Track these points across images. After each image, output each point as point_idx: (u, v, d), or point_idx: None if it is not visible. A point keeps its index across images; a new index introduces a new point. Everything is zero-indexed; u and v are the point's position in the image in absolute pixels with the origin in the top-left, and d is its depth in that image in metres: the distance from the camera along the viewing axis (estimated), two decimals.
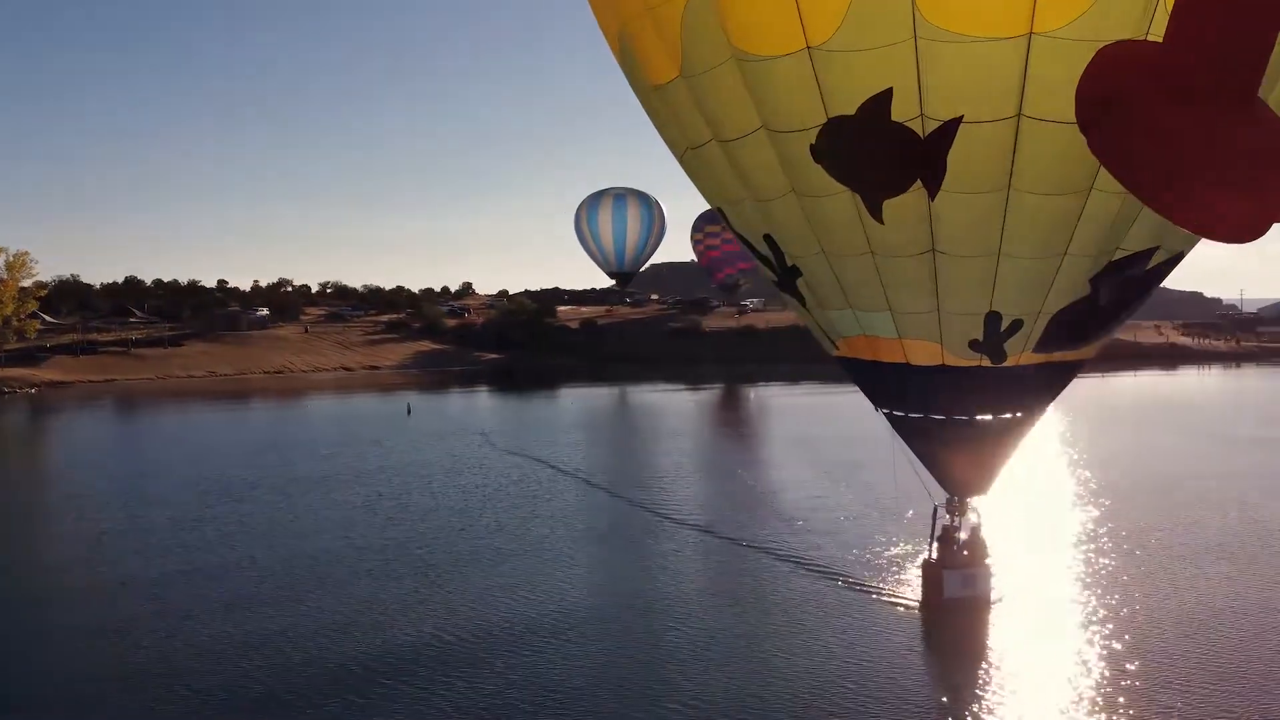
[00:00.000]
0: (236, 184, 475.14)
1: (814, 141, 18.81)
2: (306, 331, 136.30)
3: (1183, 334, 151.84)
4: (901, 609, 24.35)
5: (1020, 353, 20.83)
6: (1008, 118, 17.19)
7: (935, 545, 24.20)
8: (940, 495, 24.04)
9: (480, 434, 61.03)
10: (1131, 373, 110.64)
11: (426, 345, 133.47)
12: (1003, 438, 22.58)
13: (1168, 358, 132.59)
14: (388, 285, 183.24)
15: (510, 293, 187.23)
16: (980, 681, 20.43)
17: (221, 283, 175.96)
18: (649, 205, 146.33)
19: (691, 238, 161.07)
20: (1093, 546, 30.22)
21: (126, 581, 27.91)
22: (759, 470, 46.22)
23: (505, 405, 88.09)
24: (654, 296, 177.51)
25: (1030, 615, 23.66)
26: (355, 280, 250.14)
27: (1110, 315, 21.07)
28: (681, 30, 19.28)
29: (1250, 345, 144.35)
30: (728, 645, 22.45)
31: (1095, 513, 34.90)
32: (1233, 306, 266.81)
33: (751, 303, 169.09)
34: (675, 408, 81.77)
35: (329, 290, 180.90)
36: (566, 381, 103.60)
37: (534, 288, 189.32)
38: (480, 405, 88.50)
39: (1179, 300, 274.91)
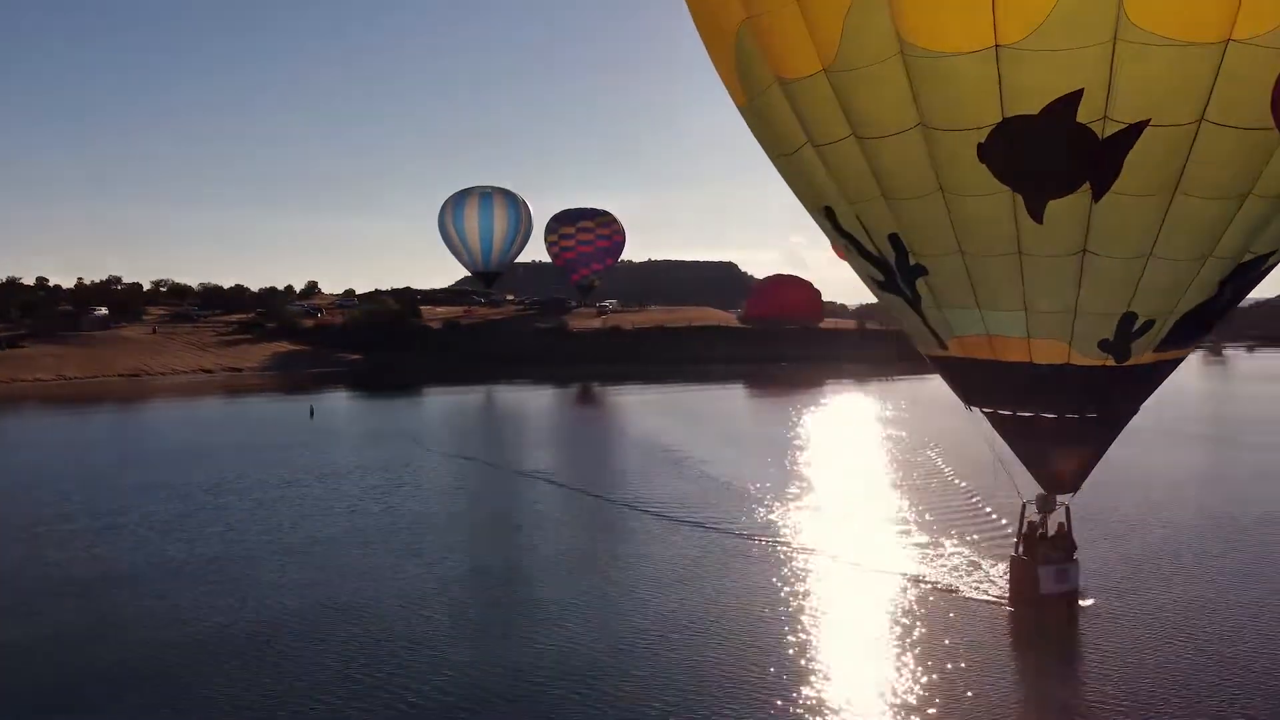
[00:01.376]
0: (40, 177, 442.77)
1: (983, 140, 18.77)
2: (155, 332, 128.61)
3: None
4: (994, 606, 24.67)
5: (1144, 352, 21.43)
6: (1190, 122, 17.58)
7: (1024, 542, 24.63)
8: (1029, 492, 24.52)
9: (409, 436, 59.06)
10: None
11: (284, 346, 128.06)
12: (1108, 434, 23.18)
13: None
14: (223, 283, 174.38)
15: (357, 292, 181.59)
16: (1098, 676, 20.80)
17: (42, 280, 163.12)
18: (516, 204, 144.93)
19: (546, 239, 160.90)
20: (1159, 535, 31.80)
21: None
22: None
23: (408, 406, 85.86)
24: (510, 297, 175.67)
25: (1121, 608, 24.34)
26: (184, 278, 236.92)
27: (1219, 315, 22.01)
28: (844, 23, 18.93)
29: None
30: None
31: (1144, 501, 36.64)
32: None
33: (610, 303, 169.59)
34: (629, 407, 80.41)
35: (163, 289, 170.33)
36: (445, 382, 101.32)
37: (384, 287, 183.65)
38: (380, 407, 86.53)
39: None
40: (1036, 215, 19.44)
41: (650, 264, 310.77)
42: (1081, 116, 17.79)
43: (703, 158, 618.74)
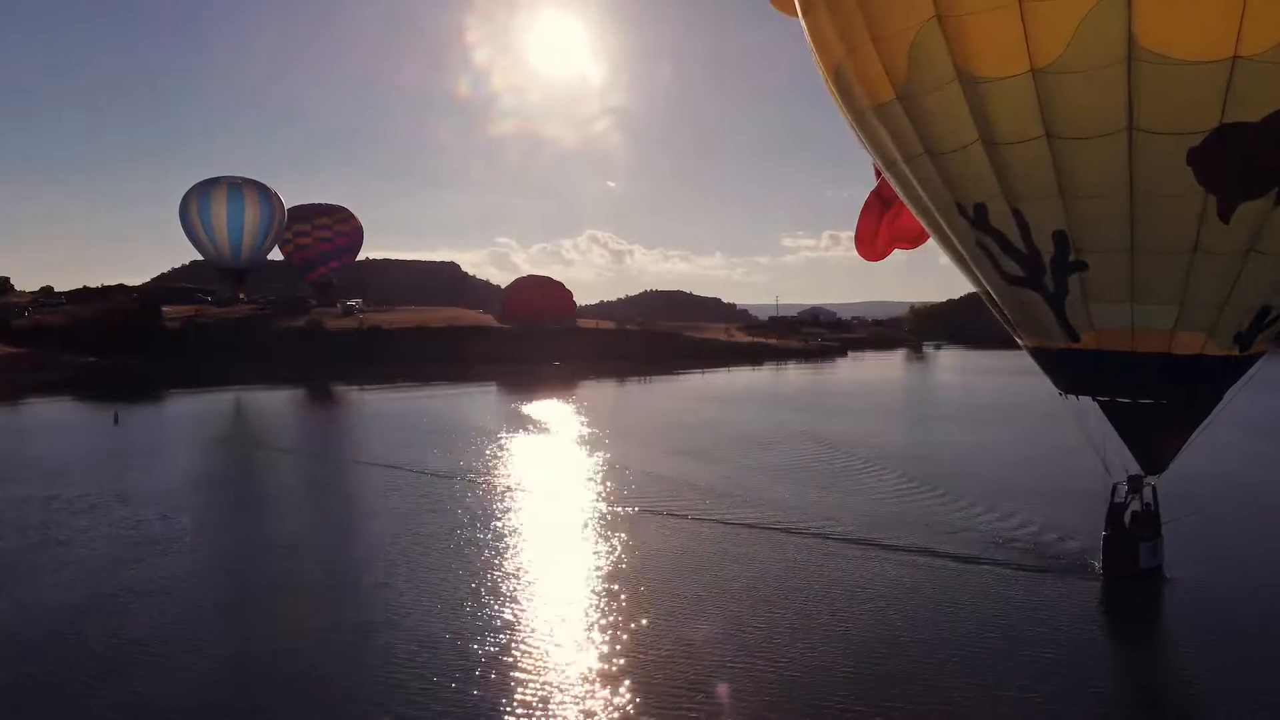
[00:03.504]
0: None
1: (1196, 145, 20.21)
2: None
3: (746, 334, 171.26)
4: (1092, 582, 26.33)
5: (1262, 343, 23.78)
6: None
7: (1116, 521, 26.42)
8: (1120, 474, 26.36)
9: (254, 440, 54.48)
10: (746, 367, 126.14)
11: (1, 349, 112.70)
12: (1202, 418, 25.35)
13: (758, 355, 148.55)
14: None
15: (55, 289, 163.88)
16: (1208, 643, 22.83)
17: None
18: (268, 197, 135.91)
19: (280, 235, 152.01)
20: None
21: None
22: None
23: (203, 406, 79.52)
24: (241, 296, 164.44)
25: (1200, 580, 26.71)
26: None
27: None
28: (1079, 26, 19.72)
29: (816, 343, 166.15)
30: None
31: None
32: (745, 311, 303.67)
33: (356, 302, 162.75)
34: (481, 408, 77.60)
35: None
36: (192, 385, 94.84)
37: (92, 284, 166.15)
38: (176, 411, 79.94)
39: (710, 305, 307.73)
40: (1225, 216, 21.04)
41: (368, 263, 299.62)
42: None
43: (410, 157, 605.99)
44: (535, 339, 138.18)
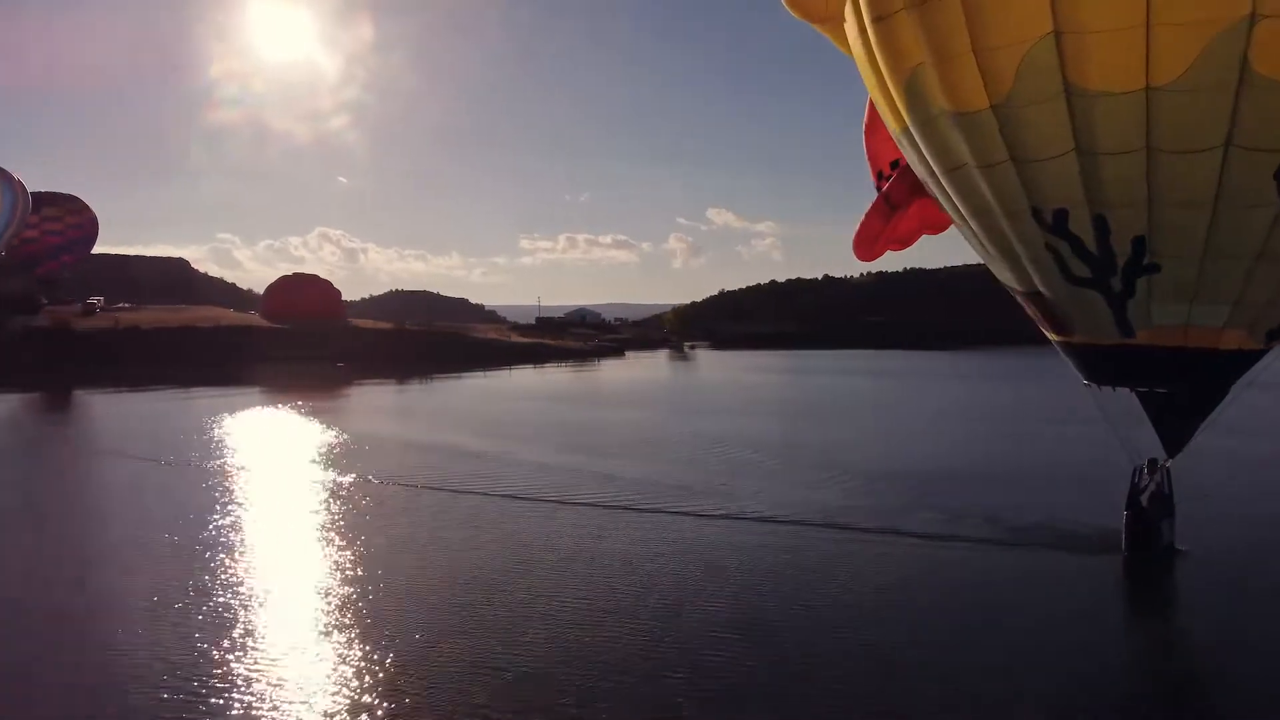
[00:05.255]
0: None
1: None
2: None
3: (517, 335, 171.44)
4: (1115, 558, 28.80)
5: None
6: None
7: (1135, 502, 28.95)
8: (1140, 457, 28.92)
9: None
10: (527, 367, 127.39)
11: None
12: (1218, 405, 28.21)
13: (539, 355, 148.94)
14: None
15: None
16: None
17: None
18: (10, 185, 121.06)
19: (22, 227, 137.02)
20: None
21: None
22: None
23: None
24: None
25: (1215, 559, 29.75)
26: None
27: None
28: (1204, 46, 21.63)
29: (593, 344, 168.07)
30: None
31: None
32: (493, 312, 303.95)
33: (97, 299, 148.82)
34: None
35: None
36: None
37: None
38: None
39: (459, 306, 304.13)
40: None
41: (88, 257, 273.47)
42: None
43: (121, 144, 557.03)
44: (311, 340, 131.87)
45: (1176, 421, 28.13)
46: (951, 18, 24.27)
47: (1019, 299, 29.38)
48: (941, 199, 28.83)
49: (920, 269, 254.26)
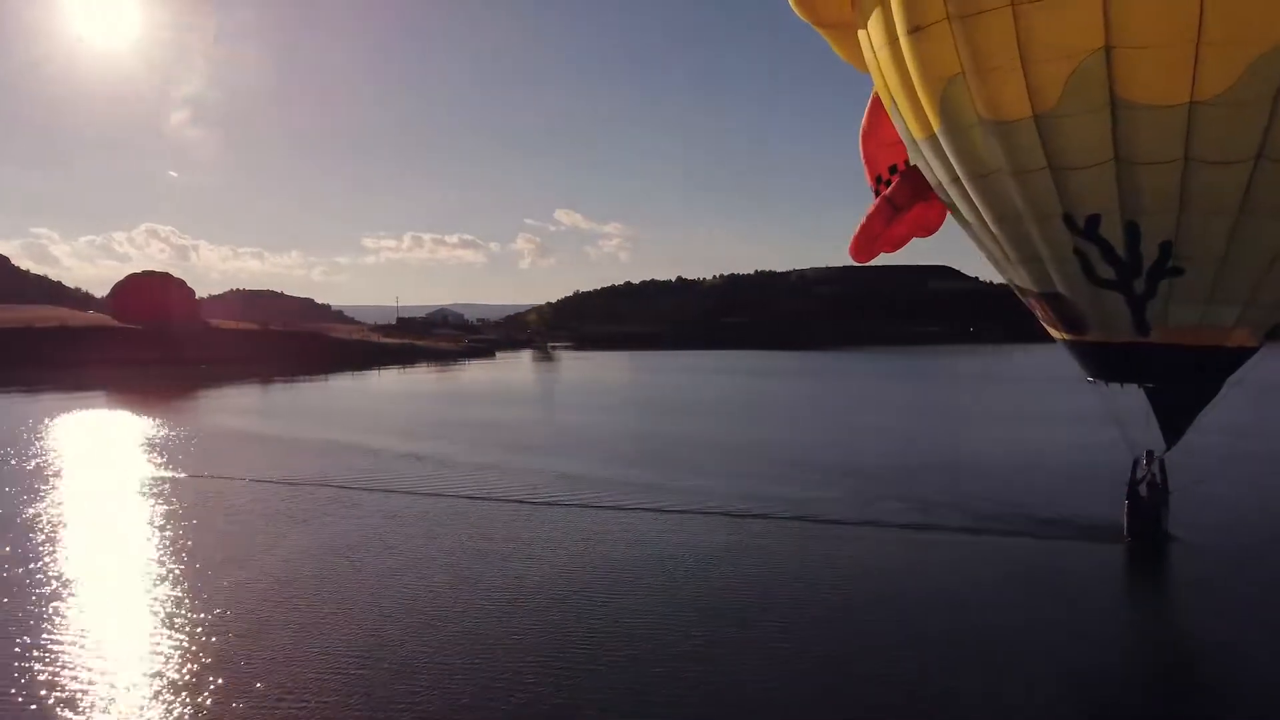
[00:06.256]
0: None
1: None
2: None
3: (379, 336, 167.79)
4: (1119, 544, 30.58)
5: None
6: None
7: (1134, 490, 30.73)
8: (1139, 449, 30.71)
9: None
10: (394, 369, 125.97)
11: None
12: (1213, 397, 30.22)
13: (409, 356, 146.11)
14: None
15: None
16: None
17: None
18: None
19: None
20: None
21: None
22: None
23: None
24: None
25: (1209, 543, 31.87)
26: None
27: None
28: (1250, 63, 23.25)
29: (464, 344, 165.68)
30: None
31: None
32: (340, 312, 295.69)
33: None
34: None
35: None
36: None
37: None
38: None
39: (305, 306, 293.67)
40: None
41: None
42: None
43: None
44: (168, 342, 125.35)
45: (1177, 414, 30.01)
46: (998, 32, 25.13)
47: (1028, 300, 30.67)
48: (960, 204, 29.80)
49: (771, 271, 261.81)
